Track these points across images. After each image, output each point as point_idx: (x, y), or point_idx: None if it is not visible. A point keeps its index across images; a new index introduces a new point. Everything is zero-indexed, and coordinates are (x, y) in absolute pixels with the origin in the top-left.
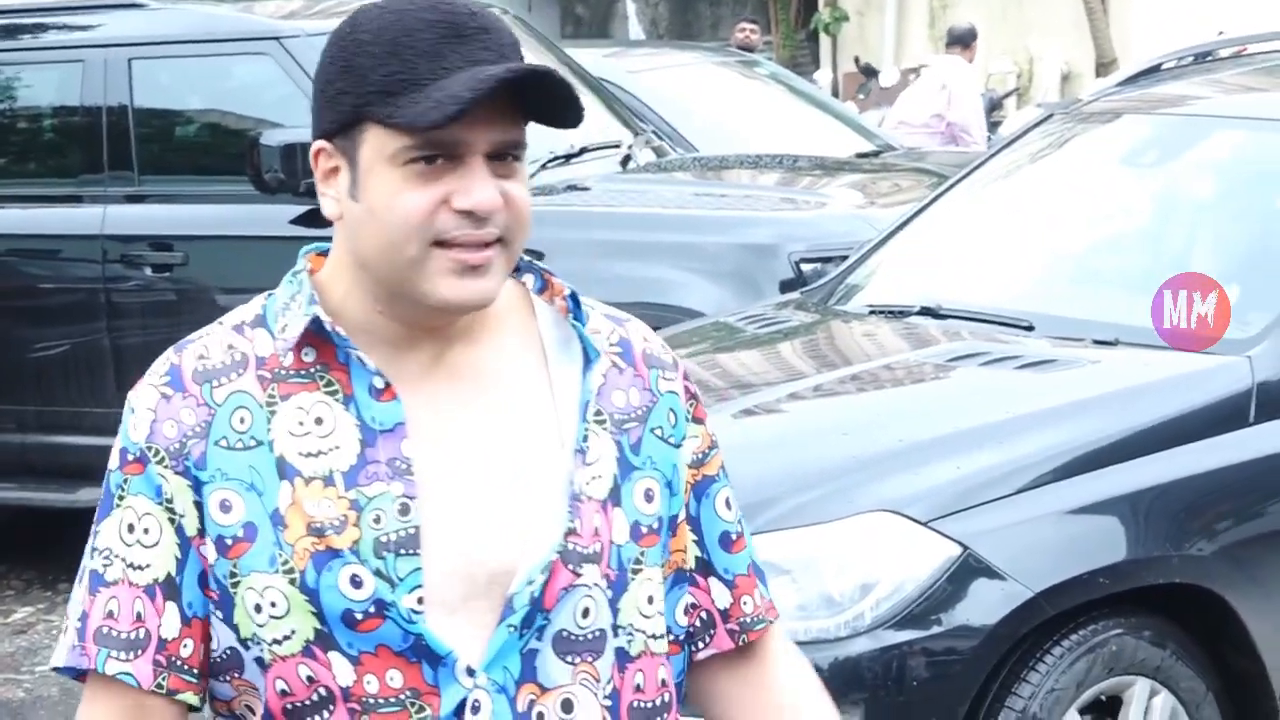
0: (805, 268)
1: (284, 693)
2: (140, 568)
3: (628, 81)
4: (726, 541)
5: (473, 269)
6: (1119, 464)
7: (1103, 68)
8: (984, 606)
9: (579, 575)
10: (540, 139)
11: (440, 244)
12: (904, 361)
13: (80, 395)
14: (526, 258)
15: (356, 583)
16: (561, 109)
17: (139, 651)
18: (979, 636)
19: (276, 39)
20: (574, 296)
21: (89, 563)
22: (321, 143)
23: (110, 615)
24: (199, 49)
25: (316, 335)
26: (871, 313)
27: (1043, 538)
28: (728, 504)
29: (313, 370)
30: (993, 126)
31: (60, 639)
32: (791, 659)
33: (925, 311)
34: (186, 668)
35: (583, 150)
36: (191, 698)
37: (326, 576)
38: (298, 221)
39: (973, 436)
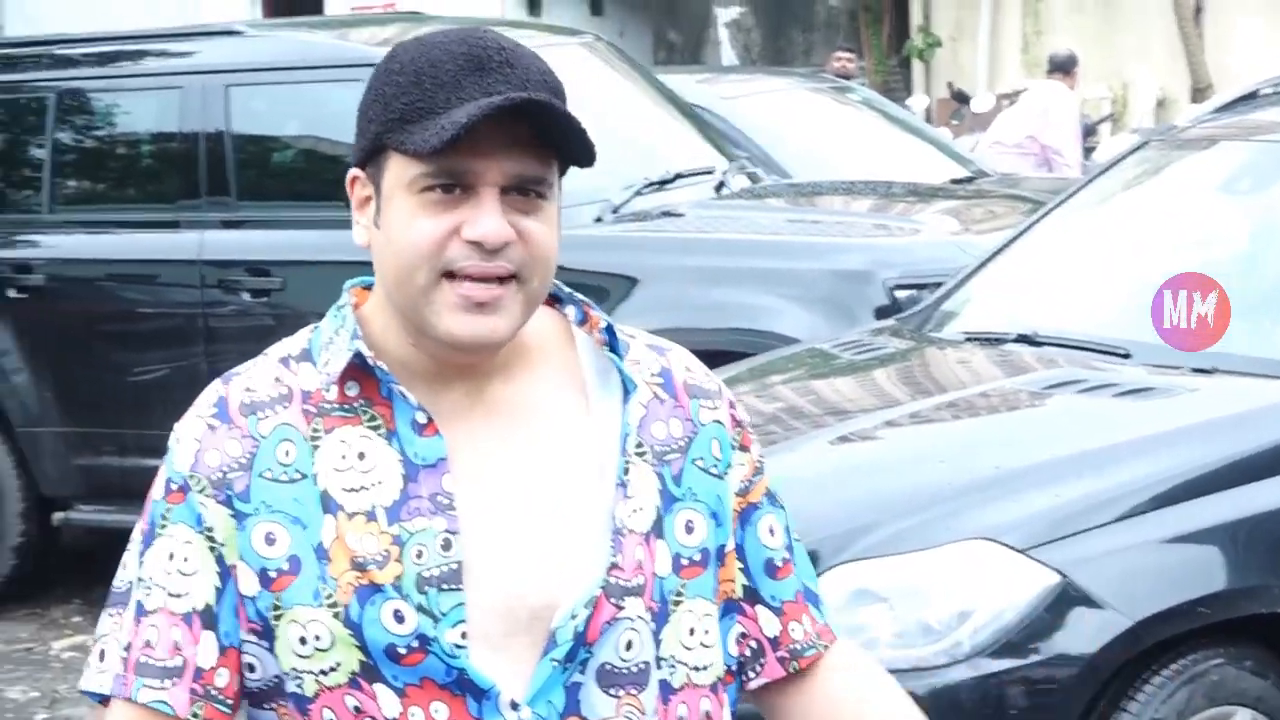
0: (899, 294)
1: None
2: (179, 595)
3: (721, 107)
4: (771, 568)
5: (479, 305)
6: (1218, 492)
7: (1198, 93)
8: (1082, 635)
9: (621, 608)
10: (635, 166)
11: (451, 276)
12: (1000, 389)
13: (178, 419)
14: (568, 289)
15: (399, 618)
16: (572, 146)
17: (175, 679)
18: (1077, 666)
19: (370, 66)
20: (610, 329)
21: (135, 591)
22: (355, 170)
23: (148, 644)
24: (295, 75)
25: (359, 370)
26: (968, 340)
27: (1142, 566)
28: (771, 531)
29: (356, 405)
30: (1087, 153)
31: (89, 660)
32: (856, 678)
33: (1021, 339)
34: (221, 697)
35: (677, 176)
36: None
37: (370, 611)
38: None
39: (1070, 464)
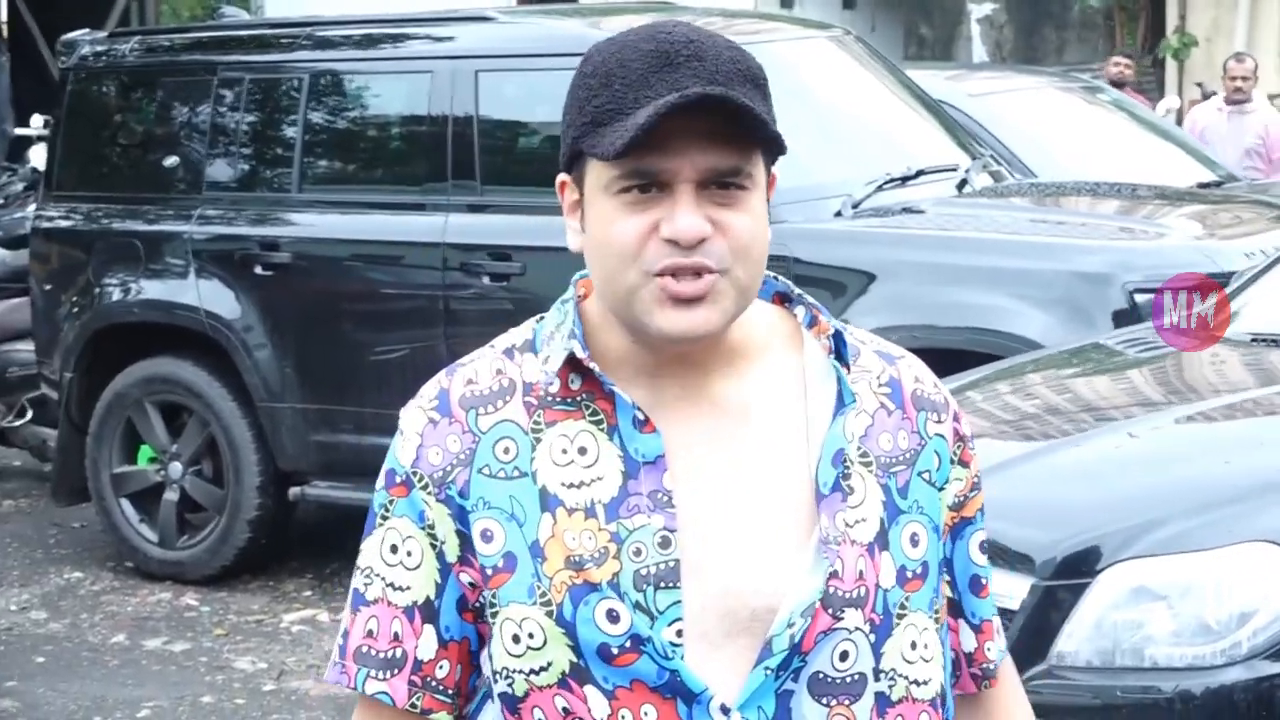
0: (1139, 298)
1: None
2: (401, 589)
3: (968, 105)
4: (977, 586)
5: (686, 300)
6: None
7: None
8: None
9: (839, 619)
10: (878, 162)
11: (657, 274)
12: None
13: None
14: (799, 291)
15: (613, 617)
16: (754, 133)
17: (395, 671)
18: None
19: None
20: (838, 335)
21: (353, 581)
22: (563, 176)
23: (370, 634)
24: (544, 62)
25: (580, 364)
26: (1253, 340)
27: None
28: (981, 548)
29: (579, 399)
30: None
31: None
32: (1022, 696)
33: None
34: (442, 688)
35: (919, 173)
36: (445, 717)
37: (584, 610)
38: None
39: None
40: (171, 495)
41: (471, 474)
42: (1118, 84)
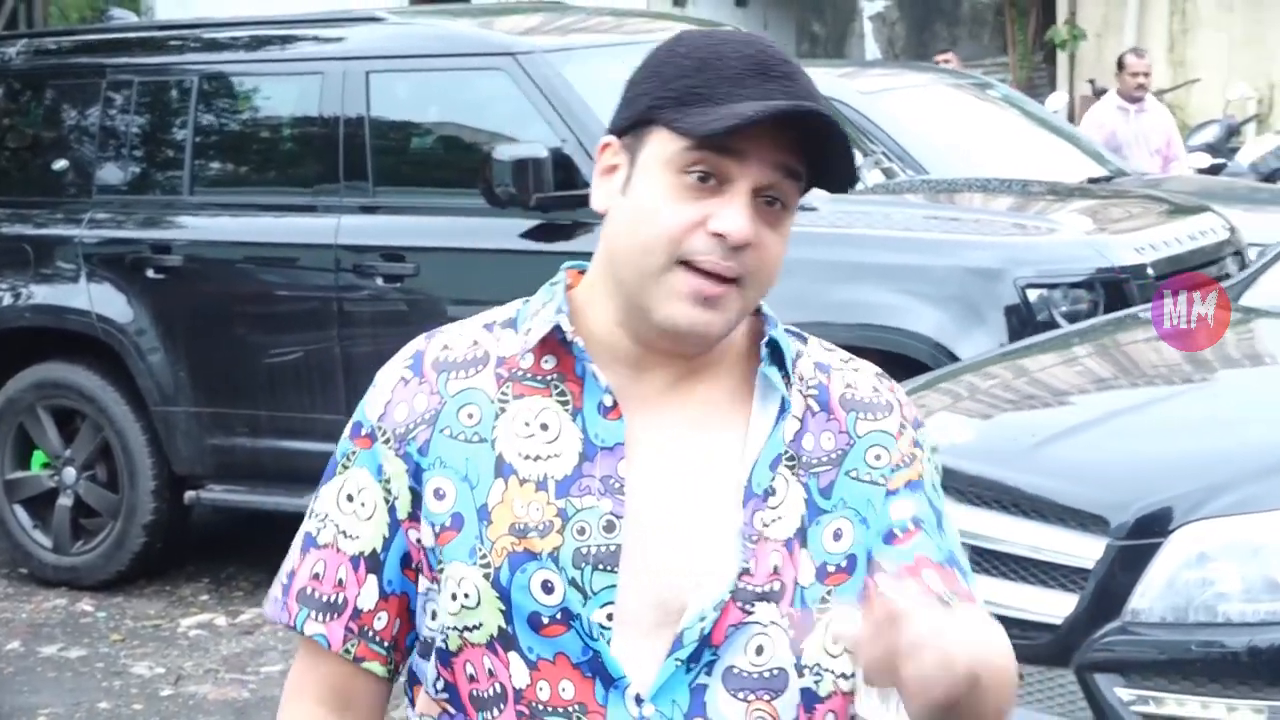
0: (1031, 294)
1: (471, 678)
2: (351, 537)
3: (860, 102)
4: (890, 538)
5: (706, 299)
6: None
7: None
8: None
9: (749, 613)
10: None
11: (684, 264)
12: None
13: (311, 401)
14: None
15: (548, 588)
16: (836, 167)
17: (335, 615)
18: None
19: (512, 55)
20: (772, 343)
21: (305, 524)
22: (610, 138)
23: (315, 577)
24: (435, 64)
25: (559, 345)
26: None
27: None
28: (901, 509)
29: (549, 378)
30: (1231, 153)
31: (270, 590)
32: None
33: None
34: (378, 639)
35: None
36: (378, 667)
37: (520, 577)
38: (527, 236)
39: None
40: (66, 501)
41: (434, 433)
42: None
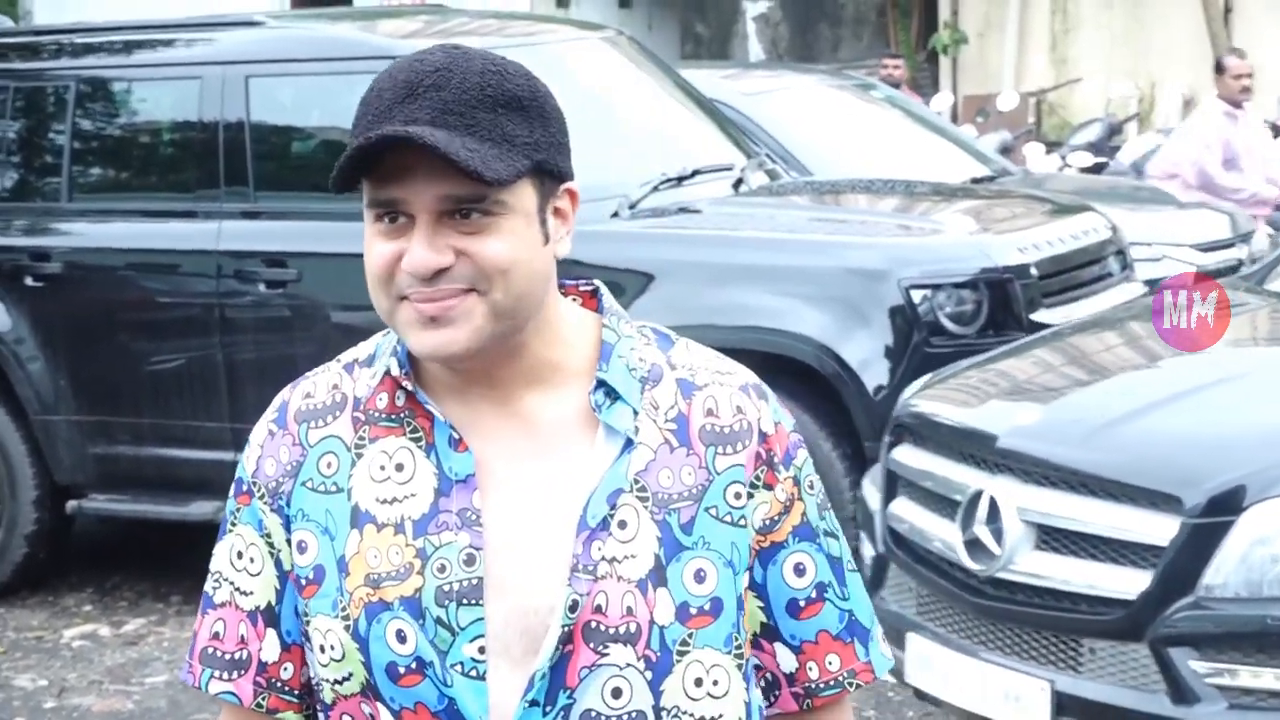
0: (915, 294)
1: None
2: (246, 593)
3: (743, 104)
4: (794, 608)
5: (433, 319)
6: None
7: None
8: None
9: (604, 654)
10: (653, 163)
11: (405, 299)
12: None
13: (194, 409)
14: (614, 314)
15: (401, 637)
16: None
17: (242, 671)
18: None
19: (391, 58)
20: (601, 384)
21: (208, 583)
22: None
23: (216, 636)
24: (315, 67)
25: (399, 383)
26: None
27: None
28: (798, 570)
29: (402, 415)
30: (1112, 151)
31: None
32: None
33: None
34: (288, 688)
35: (695, 173)
36: (292, 716)
37: (376, 628)
38: None
39: None
40: None
41: (295, 486)
42: (892, 84)
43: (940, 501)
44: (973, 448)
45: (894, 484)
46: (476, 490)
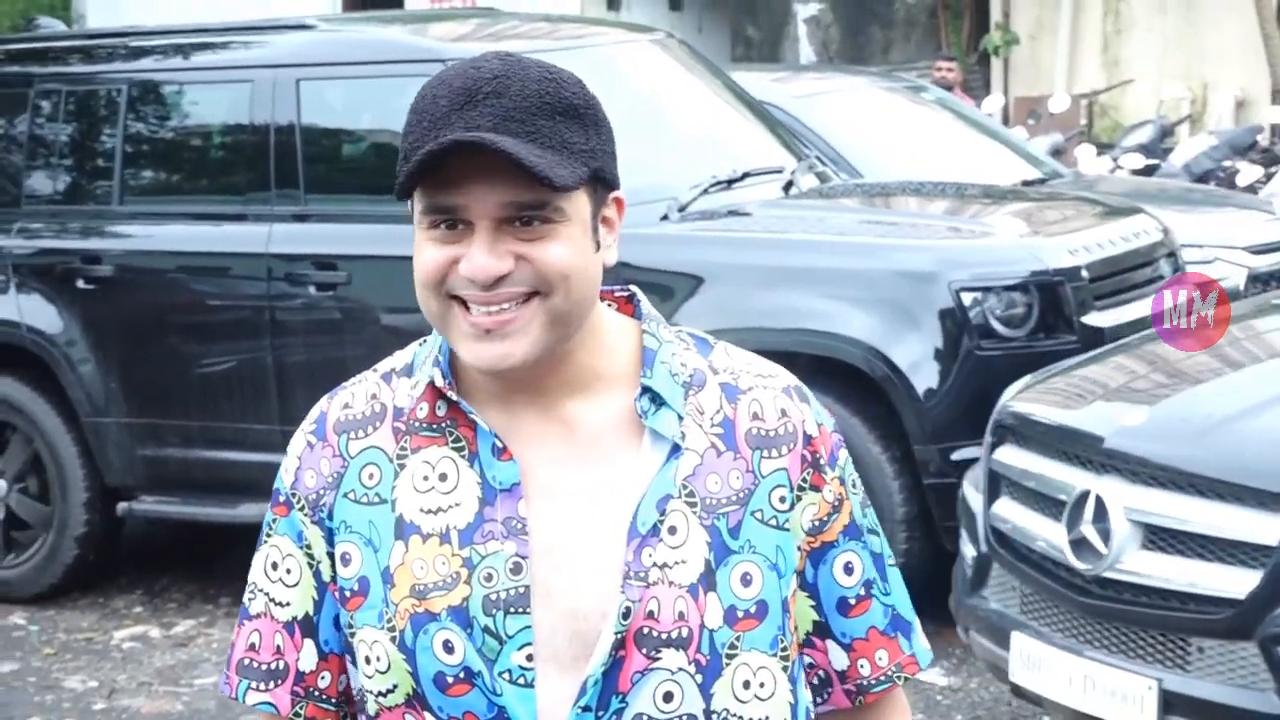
0: (965, 297)
1: None
2: (282, 604)
3: (794, 106)
4: (845, 606)
5: (488, 332)
6: None
7: (1278, 95)
8: None
9: (656, 659)
10: (703, 165)
11: (458, 299)
12: None
13: (243, 412)
14: (655, 321)
15: (449, 648)
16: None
17: (279, 681)
18: None
19: (443, 61)
20: (646, 390)
21: (246, 594)
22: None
23: (252, 647)
24: (366, 70)
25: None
26: None
27: None
28: (848, 568)
29: (444, 425)
30: (1164, 154)
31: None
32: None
33: None
34: (325, 697)
35: (745, 175)
36: None
37: (422, 639)
38: None
39: None
40: None
41: (337, 498)
42: (945, 87)
43: (1044, 501)
44: (1078, 448)
45: (997, 484)
46: (521, 499)
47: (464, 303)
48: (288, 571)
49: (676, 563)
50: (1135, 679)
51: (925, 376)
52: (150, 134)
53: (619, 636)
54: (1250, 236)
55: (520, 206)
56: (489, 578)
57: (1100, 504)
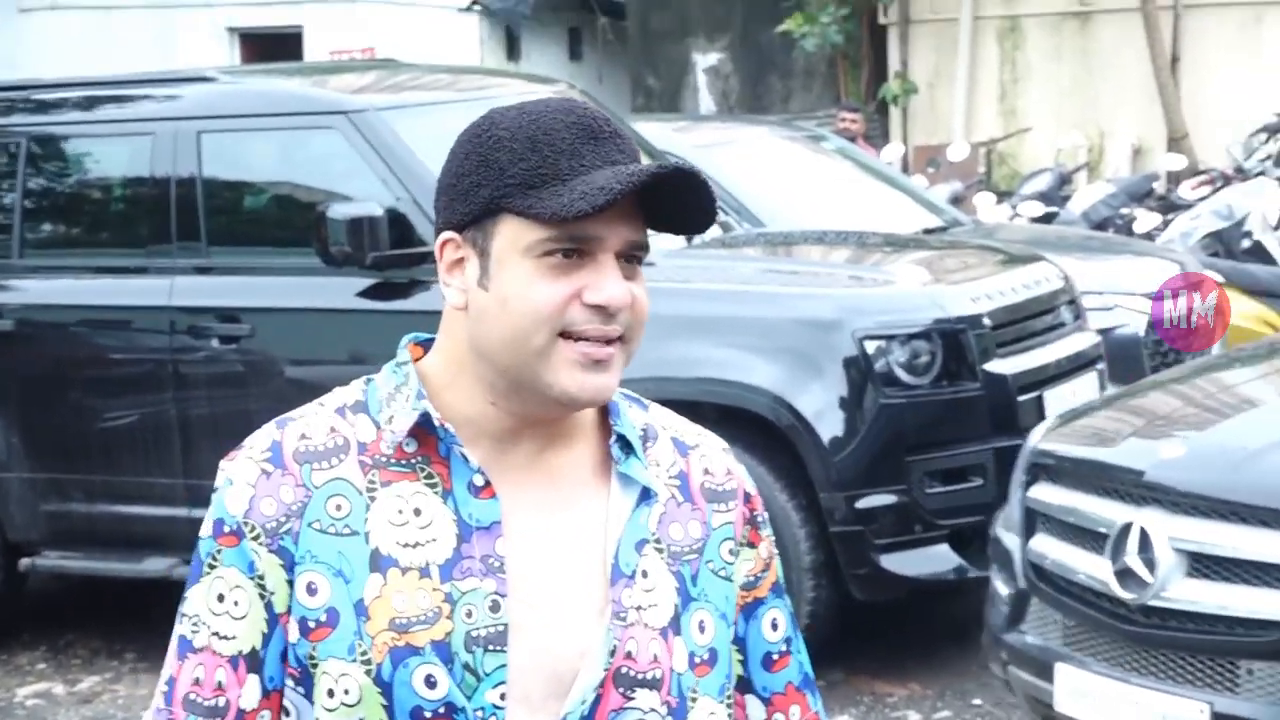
0: (869, 345)
1: None
2: (227, 638)
3: (695, 156)
4: (769, 661)
5: (596, 363)
6: None
7: (1174, 143)
8: None
9: (631, 699)
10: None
11: (565, 335)
12: None
13: (147, 466)
14: None
15: (431, 683)
16: (693, 214)
17: (220, 718)
18: None
19: (344, 114)
20: (621, 439)
21: (178, 628)
22: (450, 234)
23: (196, 682)
24: (268, 122)
25: (420, 428)
26: None
27: None
28: (774, 625)
29: (414, 461)
30: (1063, 201)
31: (153, 700)
32: None
33: None
34: None
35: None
36: None
37: (402, 672)
38: (364, 295)
39: None
40: None
41: (302, 526)
42: (849, 138)
43: (1084, 535)
44: (1116, 482)
45: (1033, 521)
46: (501, 537)
47: (566, 336)
48: (234, 604)
49: (650, 605)
50: (1187, 703)
51: (830, 425)
52: (50, 187)
53: (605, 673)
54: (1149, 283)
55: (637, 244)
56: (469, 614)
57: (1144, 535)
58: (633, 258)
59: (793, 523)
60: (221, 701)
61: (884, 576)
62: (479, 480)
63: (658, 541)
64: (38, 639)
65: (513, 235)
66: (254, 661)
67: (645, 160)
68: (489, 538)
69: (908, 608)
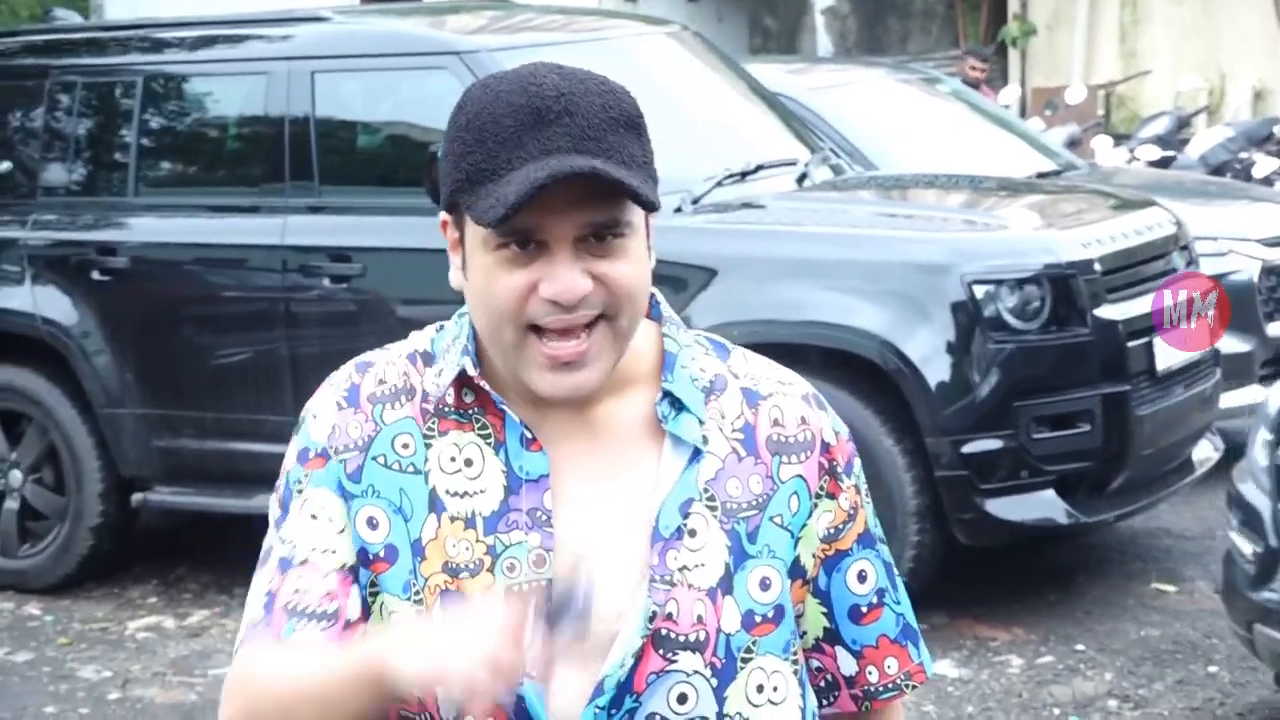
0: (978, 289)
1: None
2: (328, 551)
3: (809, 98)
4: (857, 614)
5: (566, 364)
6: None
7: None
8: None
9: (673, 661)
10: (717, 158)
11: (537, 330)
12: None
13: (258, 403)
14: (674, 325)
15: None
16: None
17: (330, 623)
18: None
19: (457, 54)
20: (667, 395)
21: (277, 550)
22: (444, 215)
23: (298, 591)
24: (380, 63)
25: (473, 380)
26: None
27: None
28: (861, 577)
29: (471, 411)
30: (1181, 145)
31: (239, 633)
32: None
33: None
34: None
35: (759, 168)
36: None
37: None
38: None
39: None
40: (12, 504)
41: (366, 460)
42: (972, 85)
43: None
44: None
45: None
46: (548, 491)
47: (537, 331)
48: (329, 520)
49: (696, 565)
50: None
51: (937, 369)
52: (165, 126)
53: (643, 640)
54: (1265, 229)
55: (597, 225)
56: (511, 568)
57: None
58: (603, 236)
59: (898, 467)
60: (332, 607)
61: (989, 522)
62: (528, 434)
63: (711, 499)
64: (149, 573)
65: (474, 227)
66: (353, 573)
67: (619, 133)
68: (537, 491)
69: (1011, 553)
